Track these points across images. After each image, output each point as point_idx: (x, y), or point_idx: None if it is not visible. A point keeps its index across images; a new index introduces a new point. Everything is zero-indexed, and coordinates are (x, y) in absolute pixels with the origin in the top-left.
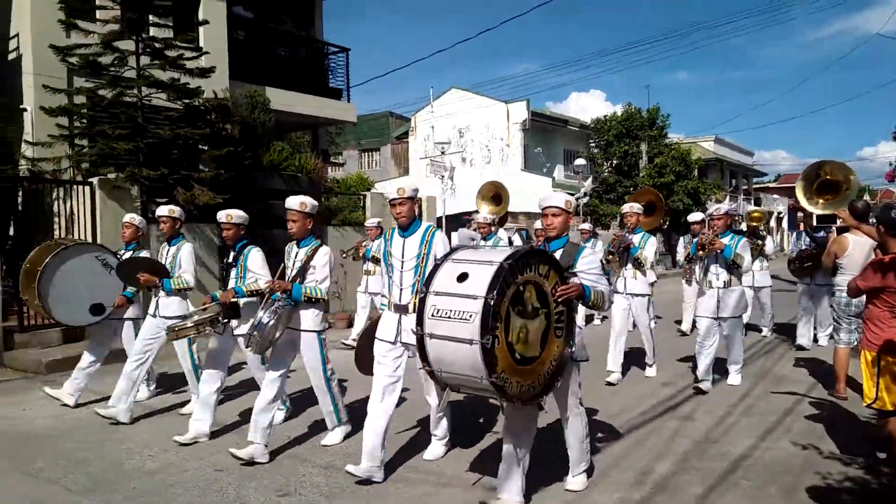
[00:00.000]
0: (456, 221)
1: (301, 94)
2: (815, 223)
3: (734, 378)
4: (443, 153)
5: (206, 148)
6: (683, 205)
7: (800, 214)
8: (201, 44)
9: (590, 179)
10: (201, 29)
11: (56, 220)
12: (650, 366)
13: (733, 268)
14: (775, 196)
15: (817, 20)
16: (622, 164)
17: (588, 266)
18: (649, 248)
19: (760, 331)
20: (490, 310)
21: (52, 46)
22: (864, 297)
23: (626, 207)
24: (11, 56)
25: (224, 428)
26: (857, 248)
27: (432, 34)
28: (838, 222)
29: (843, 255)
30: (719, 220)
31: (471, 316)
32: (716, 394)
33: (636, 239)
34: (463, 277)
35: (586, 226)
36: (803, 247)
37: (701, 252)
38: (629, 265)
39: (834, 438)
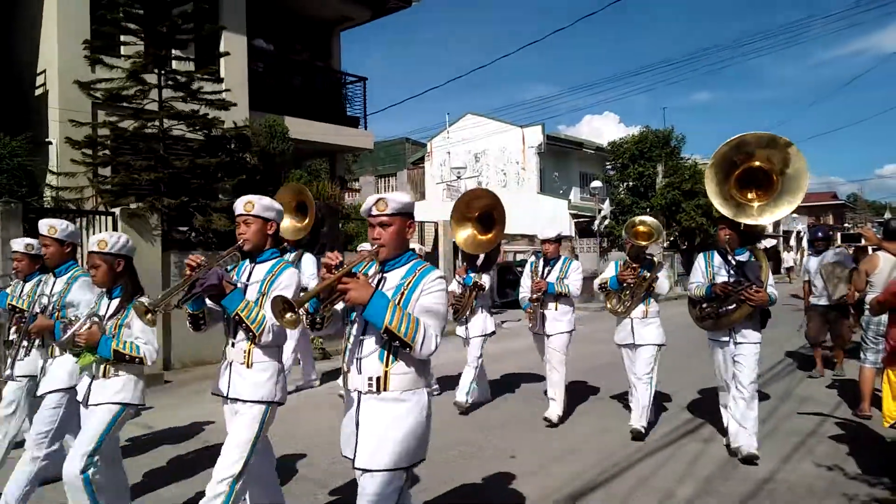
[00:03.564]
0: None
1: (319, 122)
2: (839, 241)
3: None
4: (459, 178)
5: (222, 176)
6: (696, 223)
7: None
8: (222, 75)
9: (606, 202)
10: (222, 61)
11: (79, 249)
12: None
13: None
14: (794, 215)
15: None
16: (638, 186)
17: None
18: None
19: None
20: None
21: (76, 82)
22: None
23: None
24: (38, 91)
25: None
26: (887, 266)
27: (448, 61)
28: (862, 241)
29: (874, 273)
30: (549, 245)
31: None
32: None
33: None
34: None
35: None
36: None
37: (534, 297)
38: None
39: (859, 460)
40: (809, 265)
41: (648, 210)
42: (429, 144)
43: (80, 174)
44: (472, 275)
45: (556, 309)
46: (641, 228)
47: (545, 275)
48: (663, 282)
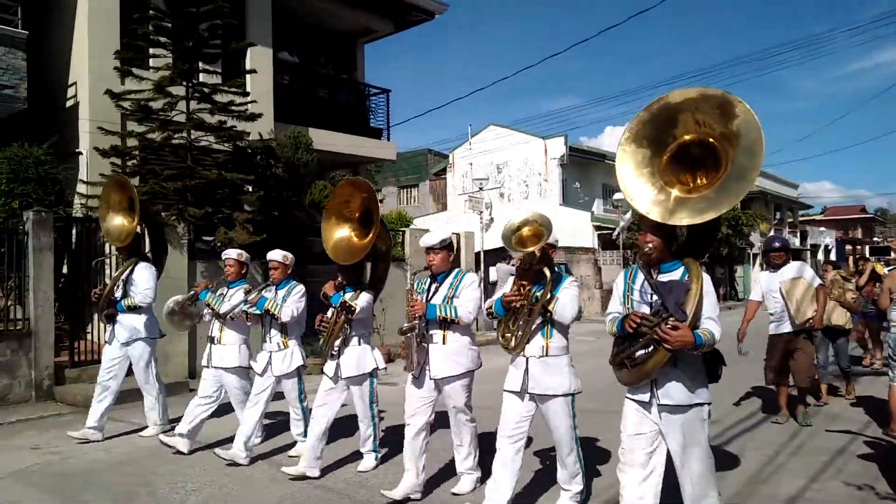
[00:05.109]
0: (494, 256)
1: (343, 133)
2: (866, 254)
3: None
4: (481, 189)
5: (250, 189)
6: (722, 234)
7: (826, 244)
8: (248, 88)
9: (629, 213)
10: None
11: (107, 258)
12: (371, 452)
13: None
14: (822, 228)
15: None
16: None
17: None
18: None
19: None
20: None
21: (107, 92)
22: None
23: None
24: (69, 103)
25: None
26: None
27: (470, 72)
28: (892, 255)
29: None
30: (433, 254)
31: None
32: (765, 432)
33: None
34: None
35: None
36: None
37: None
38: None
39: (889, 479)
40: (763, 282)
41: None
42: (451, 155)
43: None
44: (344, 294)
45: (443, 342)
46: (526, 231)
47: (430, 294)
48: (566, 305)
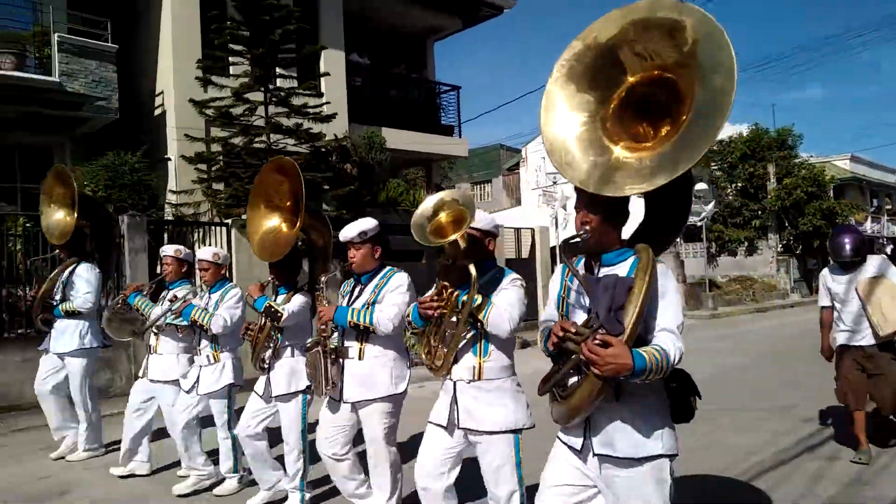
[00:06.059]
0: (570, 251)
1: (415, 132)
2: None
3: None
4: (554, 183)
5: (327, 187)
6: (813, 226)
7: None
8: (322, 90)
9: (711, 204)
10: (322, 77)
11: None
12: (297, 491)
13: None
14: None
15: None
16: (748, 187)
17: None
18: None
19: None
20: None
21: (191, 100)
22: None
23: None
24: (157, 112)
25: None
26: None
27: (541, 65)
28: None
29: None
30: (353, 249)
31: None
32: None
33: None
34: None
35: None
36: None
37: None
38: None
39: None
40: (831, 284)
41: (760, 213)
42: (524, 150)
43: (196, 189)
44: (278, 296)
45: (359, 357)
46: (444, 217)
47: (353, 298)
48: (502, 313)
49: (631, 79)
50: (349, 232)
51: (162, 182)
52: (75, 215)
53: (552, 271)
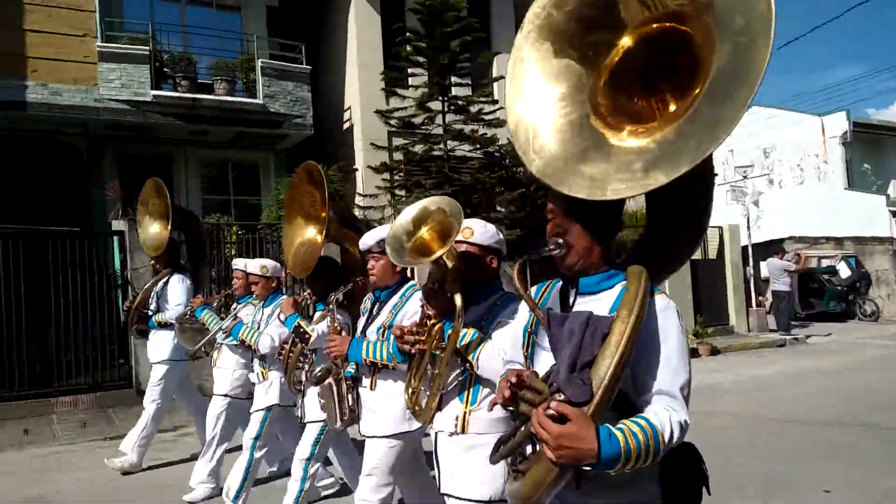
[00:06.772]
0: (764, 251)
1: None
2: None
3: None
4: (745, 177)
5: (502, 190)
6: None
7: None
8: (496, 96)
9: None
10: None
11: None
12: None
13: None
14: None
15: None
16: None
17: None
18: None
19: None
20: None
21: (377, 111)
22: None
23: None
24: (346, 126)
25: None
26: None
27: None
28: None
29: None
30: (373, 260)
31: None
32: None
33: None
34: None
35: None
36: None
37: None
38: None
39: None
40: None
41: None
42: None
43: (381, 195)
44: (315, 313)
45: (371, 388)
46: (426, 233)
47: (371, 318)
48: (495, 354)
49: (629, 35)
50: (368, 240)
51: (352, 191)
52: (169, 227)
53: (744, 273)
